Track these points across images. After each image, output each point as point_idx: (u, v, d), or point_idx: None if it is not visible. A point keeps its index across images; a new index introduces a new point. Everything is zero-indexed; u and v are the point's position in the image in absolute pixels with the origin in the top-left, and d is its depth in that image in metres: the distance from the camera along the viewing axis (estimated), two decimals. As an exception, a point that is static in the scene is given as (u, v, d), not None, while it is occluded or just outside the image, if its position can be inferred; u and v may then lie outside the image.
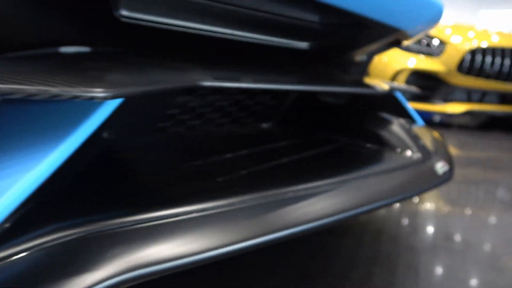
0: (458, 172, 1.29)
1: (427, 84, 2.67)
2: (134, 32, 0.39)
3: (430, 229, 0.72)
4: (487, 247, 0.65)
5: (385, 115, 0.53)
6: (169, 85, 0.31)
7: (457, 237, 0.70)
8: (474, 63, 2.55)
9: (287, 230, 0.32)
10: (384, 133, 0.51)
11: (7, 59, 0.31)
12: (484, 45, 2.55)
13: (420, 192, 0.43)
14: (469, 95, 2.69)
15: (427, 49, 2.64)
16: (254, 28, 0.45)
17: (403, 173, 0.43)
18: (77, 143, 0.27)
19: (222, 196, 0.31)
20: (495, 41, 2.60)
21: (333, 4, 0.40)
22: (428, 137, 0.64)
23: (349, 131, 0.53)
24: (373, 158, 0.46)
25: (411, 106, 2.32)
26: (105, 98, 0.25)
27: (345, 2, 0.41)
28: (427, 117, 2.68)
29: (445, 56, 2.58)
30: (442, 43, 2.61)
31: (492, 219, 0.83)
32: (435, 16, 0.52)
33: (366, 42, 0.59)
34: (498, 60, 2.56)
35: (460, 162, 1.52)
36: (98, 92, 0.25)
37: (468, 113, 2.63)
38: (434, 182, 0.46)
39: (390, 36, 0.55)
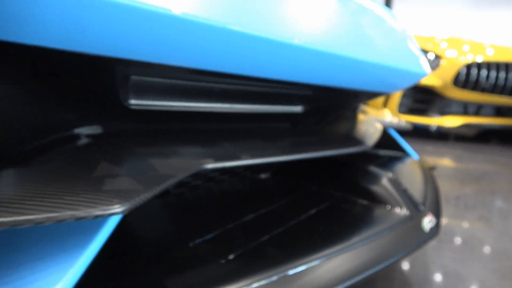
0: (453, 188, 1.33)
1: (423, 98, 2.71)
2: (139, 114, 0.43)
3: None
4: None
5: (375, 169, 0.57)
6: (177, 178, 0.34)
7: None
8: (470, 77, 2.59)
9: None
10: (373, 189, 0.55)
11: (9, 163, 0.32)
12: (479, 59, 2.59)
13: (406, 254, 0.47)
14: (465, 108, 2.73)
15: (423, 63, 2.68)
16: (252, 100, 0.48)
17: (390, 235, 0.46)
18: (99, 246, 0.30)
19: (228, 280, 0.34)
20: (490, 55, 2.64)
21: (325, 85, 0.43)
22: (418, 181, 0.68)
23: (341, 184, 0.57)
24: (362, 219, 0.49)
25: (408, 119, 2.32)
26: (123, 212, 0.28)
27: (337, 81, 0.44)
28: (424, 127, 2.71)
29: (441, 70, 2.62)
30: (438, 57, 2.65)
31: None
32: (419, 77, 0.55)
33: (355, 101, 0.62)
34: (493, 74, 2.59)
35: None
36: (116, 209, 0.28)
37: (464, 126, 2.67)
38: (420, 241, 0.50)
39: (378, 95, 0.59)
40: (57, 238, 0.30)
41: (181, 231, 0.43)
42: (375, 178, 0.56)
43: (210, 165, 0.38)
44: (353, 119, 0.70)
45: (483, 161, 2.07)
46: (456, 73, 2.59)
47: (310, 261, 0.38)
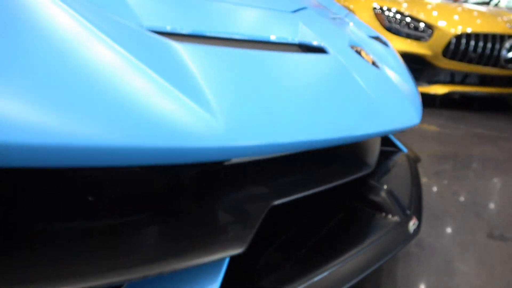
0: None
1: (413, 67, 2.85)
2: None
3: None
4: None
5: (375, 184, 0.75)
6: (264, 214, 0.51)
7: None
8: (459, 48, 2.72)
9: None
10: (374, 200, 0.73)
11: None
12: (468, 30, 2.71)
13: (395, 253, 0.66)
14: (452, 77, 2.89)
15: (415, 33, 2.79)
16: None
17: (385, 239, 0.65)
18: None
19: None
20: (479, 25, 2.76)
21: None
22: (406, 185, 0.86)
23: (349, 196, 0.75)
24: (367, 226, 0.67)
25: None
26: (244, 251, 0.45)
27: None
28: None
29: (432, 41, 2.74)
30: (430, 27, 2.76)
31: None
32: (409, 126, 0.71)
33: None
34: (480, 45, 2.73)
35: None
36: (239, 250, 0.44)
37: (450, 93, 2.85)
38: (406, 240, 0.69)
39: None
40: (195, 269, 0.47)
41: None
42: (375, 191, 0.74)
43: (282, 200, 0.55)
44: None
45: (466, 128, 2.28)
46: (446, 44, 2.72)
47: (334, 264, 0.58)
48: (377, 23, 2.90)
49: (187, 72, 0.41)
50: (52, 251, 0.41)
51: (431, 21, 2.77)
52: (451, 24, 2.75)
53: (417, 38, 2.78)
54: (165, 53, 0.41)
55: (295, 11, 0.69)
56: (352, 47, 0.69)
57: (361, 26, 1.07)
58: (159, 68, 0.40)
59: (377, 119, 0.58)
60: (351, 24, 0.94)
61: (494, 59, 2.78)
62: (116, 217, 0.47)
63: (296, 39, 0.60)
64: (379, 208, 0.73)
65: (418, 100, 0.77)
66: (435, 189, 1.41)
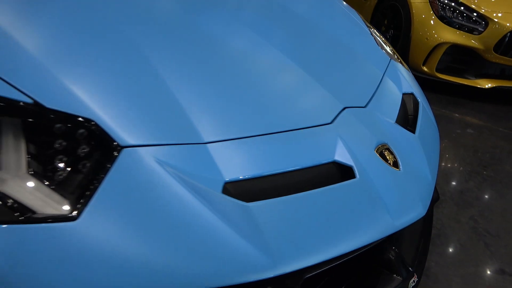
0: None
1: (461, 58, 2.83)
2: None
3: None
4: None
5: (386, 246, 0.96)
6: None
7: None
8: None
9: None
10: (385, 259, 0.94)
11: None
12: (525, 25, 2.62)
13: None
14: (501, 71, 2.85)
15: (468, 25, 2.73)
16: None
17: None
18: None
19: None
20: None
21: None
22: (414, 244, 1.06)
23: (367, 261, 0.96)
24: (377, 281, 0.90)
25: (445, 77, 2.53)
26: None
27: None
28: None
29: (485, 34, 2.69)
30: (484, 20, 2.69)
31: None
32: None
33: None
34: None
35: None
36: None
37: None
38: None
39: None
40: None
41: None
42: (386, 251, 0.96)
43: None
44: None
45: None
46: (500, 39, 2.66)
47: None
48: (431, 11, 2.85)
49: (256, 227, 0.64)
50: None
51: (486, 13, 2.70)
52: (508, 18, 2.66)
53: (470, 30, 2.73)
54: (240, 211, 0.64)
55: (334, 119, 0.87)
56: (377, 148, 0.87)
57: (399, 81, 1.21)
58: (235, 224, 0.63)
59: (390, 223, 0.79)
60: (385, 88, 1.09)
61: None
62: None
63: (331, 158, 0.79)
64: (386, 267, 0.95)
65: (430, 184, 0.94)
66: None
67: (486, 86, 2.81)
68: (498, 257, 1.35)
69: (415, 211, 0.85)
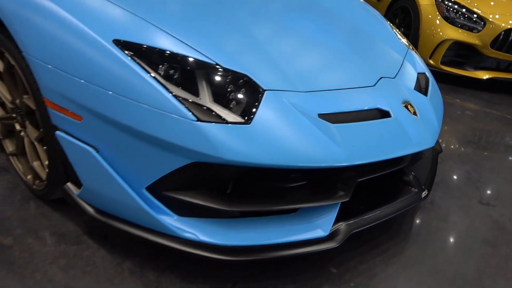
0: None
1: (464, 53, 3.30)
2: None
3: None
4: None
5: (406, 169, 1.43)
6: (355, 183, 1.23)
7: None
8: (507, 40, 3.13)
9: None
10: (406, 179, 1.42)
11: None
12: (517, 25, 3.09)
13: (412, 206, 1.35)
14: (497, 64, 3.31)
15: (468, 24, 3.20)
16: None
17: (408, 200, 1.35)
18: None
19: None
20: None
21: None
22: (426, 168, 1.55)
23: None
24: (400, 192, 1.37)
25: (448, 69, 3.04)
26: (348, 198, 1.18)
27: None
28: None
29: (483, 32, 3.16)
30: (482, 20, 3.16)
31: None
32: None
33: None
34: (526, 38, 3.12)
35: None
36: (347, 199, 1.17)
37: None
38: (419, 201, 1.38)
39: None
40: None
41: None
42: (407, 173, 1.44)
43: (364, 178, 1.27)
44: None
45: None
46: (496, 37, 3.13)
47: (383, 209, 1.30)
48: (436, 12, 3.32)
49: (339, 136, 1.11)
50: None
51: (484, 14, 3.17)
52: (503, 19, 3.13)
53: (470, 29, 3.20)
54: (328, 127, 1.12)
55: (375, 84, 1.35)
56: (403, 103, 1.35)
57: (415, 64, 1.69)
58: (326, 133, 1.11)
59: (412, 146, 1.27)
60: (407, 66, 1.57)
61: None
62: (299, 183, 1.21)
63: (376, 105, 1.27)
64: (407, 183, 1.43)
65: (437, 129, 1.42)
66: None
67: (484, 77, 3.29)
68: (485, 196, 1.83)
69: (427, 142, 1.33)
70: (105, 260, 1.23)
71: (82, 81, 1.05)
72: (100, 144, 1.09)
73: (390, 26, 1.91)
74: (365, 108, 1.26)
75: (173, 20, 1.21)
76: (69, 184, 1.23)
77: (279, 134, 1.05)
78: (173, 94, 1.02)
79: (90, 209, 1.18)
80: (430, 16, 3.33)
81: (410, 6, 3.53)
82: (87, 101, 1.05)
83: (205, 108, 1.03)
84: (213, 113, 1.03)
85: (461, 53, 3.32)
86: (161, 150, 1.04)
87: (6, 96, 1.39)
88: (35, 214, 1.38)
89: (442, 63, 3.33)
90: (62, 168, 1.22)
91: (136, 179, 1.10)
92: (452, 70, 3.33)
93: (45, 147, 1.25)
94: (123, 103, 1.03)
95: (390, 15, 3.81)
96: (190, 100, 1.03)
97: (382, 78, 1.41)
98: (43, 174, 1.33)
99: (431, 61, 3.35)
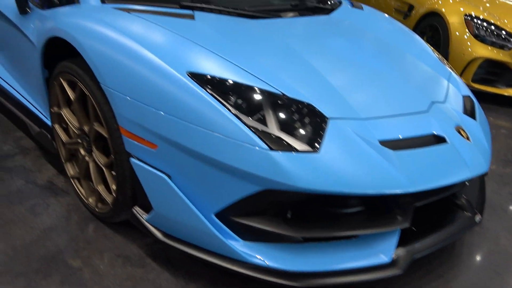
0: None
1: (494, 71, 3.30)
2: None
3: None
4: None
5: (459, 194, 1.44)
6: (413, 208, 1.25)
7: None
8: (538, 58, 3.12)
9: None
10: (458, 202, 1.43)
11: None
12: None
13: (467, 231, 1.35)
14: (530, 82, 3.30)
15: (499, 42, 3.21)
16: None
17: (464, 225, 1.36)
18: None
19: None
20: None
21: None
22: (477, 191, 1.56)
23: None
24: (455, 216, 1.38)
25: (479, 87, 3.05)
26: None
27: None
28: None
29: (513, 51, 3.16)
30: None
31: None
32: None
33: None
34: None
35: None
36: (407, 225, 1.20)
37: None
38: (473, 226, 1.39)
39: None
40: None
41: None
42: (459, 197, 1.45)
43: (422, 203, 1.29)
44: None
45: None
46: (526, 55, 3.12)
47: (441, 232, 1.31)
48: (466, 30, 3.34)
49: (400, 163, 1.14)
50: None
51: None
52: (533, 36, 3.13)
53: (501, 47, 3.21)
54: (390, 154, 1.15)
55: (428, 109, 1.38)
56: (455, 128, 1.37)
57: (459, 87, 1.71)
58: (388, 159, 1.14)
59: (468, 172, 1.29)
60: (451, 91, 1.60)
61: None
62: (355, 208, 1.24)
63: (431, 131, 1.30)
64: (459, 207, 1.44)
65: (489, 153, 1.43)
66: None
67: (515, 95, 3.27)
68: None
69: (482, 167, 1.35)
70: (170, 282, 1.27)
71: (159, 111, 1.11)
72: (172, 171, 1.14)
73: (431, 49, 1.95)
74: (422, 134, 1.28)
75: (240, 53, 1.27)
76: (137, 208, 1.28)
77: (347, 162, 1.09)
78: (245, 123, 1.07)
79: (158, 233, 1.23)
80: (459, 34, 3.35)
81: (438, 24, 3.56)
82: (163, 130, 1.11)
83: (274, 136, 1.08)
84: (283, 141, 1.07)
85: (492, 71, 3.32)
86: (232, 177, 1.09)
87: (73, 123, 1.46)
88: (98, 236, 1.43)
89: (473, 81, 3.33)
90: (130, 192, 1.28)
91: (206, 205, 1.14)
92: (483, 88, 3.32)
93: (113, 172, 1.31)
94: (197, 132, 1.08)
95: (417, 32, 3.84)
96: (260, 129, 1.08)
97: (434, 103, 1.44)
98: (108, 198, 1.39)
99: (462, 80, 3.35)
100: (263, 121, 1.10)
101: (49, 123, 1.66)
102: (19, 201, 1.58)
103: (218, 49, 1.22)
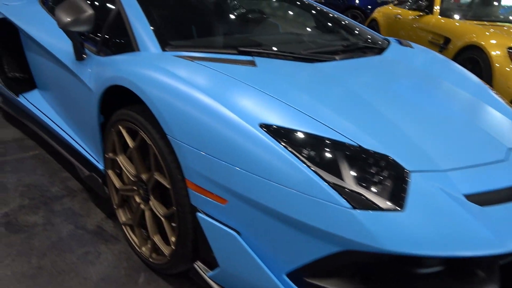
0: None
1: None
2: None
3: None
4: None
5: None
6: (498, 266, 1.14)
7: None
8: None
9: None
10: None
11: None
12: None
13: None
14: None
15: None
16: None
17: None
18: None
19: None
20: None
21: None
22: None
23: None
24: None
25: None
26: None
27: None
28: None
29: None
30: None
31: None
32: None
33: None
34: None
35: None
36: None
37: None
38: None
39: None
40: None
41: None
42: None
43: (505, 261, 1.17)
44: None
45: None
46: None
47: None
48: (510, 62, 3.24)
49: (487, 219, 1.04)
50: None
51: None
52: None
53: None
54: (477, 210, 1.05)
55: (508, 157, 1.28)
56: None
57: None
58: (474, 216, 1.04)
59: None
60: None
61: None
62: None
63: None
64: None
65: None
66: None
67: None
68: None
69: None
70: None
71: (230, 165, 1.05)
72: (243, 227, 1.08)
73: (491, 89, 1.86)
74: (506, 186, 1.18)
75: (309, 102, 1.22)
76: (199, 264, 1.21)
77: (434, 221, 1.00)
78: (323, 178, 1.00)
79: (221, 291, 1.15)
80: (503, 67, 3.25)
81: (479, 57, 3.47)
82: (233, 184, 1.06)
83: (354, 193, 1.00)
84: (364, 198, 1.00)
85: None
86: (308, 236, 1.01)
87: (130, 170, 1.42)
88: (152, 288, 1.37)
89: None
90: (191, 246, 1.21)
91: (278, 264, 1.06)
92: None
93: (173, 224, 1.26)
94: (270, 187, 1.02)
95: (455, 65, 3.76)
96: (339, 185, 1.00)
97: (510, 150, 1.34)
98: (165, 249, 1.33)
99: (507, 113, 3.22)
100: (339, 175, 1.03)
101: (100, 166, 1.64)
102: (70, 249, 1.54)
103: (287, 99, 1.17)
